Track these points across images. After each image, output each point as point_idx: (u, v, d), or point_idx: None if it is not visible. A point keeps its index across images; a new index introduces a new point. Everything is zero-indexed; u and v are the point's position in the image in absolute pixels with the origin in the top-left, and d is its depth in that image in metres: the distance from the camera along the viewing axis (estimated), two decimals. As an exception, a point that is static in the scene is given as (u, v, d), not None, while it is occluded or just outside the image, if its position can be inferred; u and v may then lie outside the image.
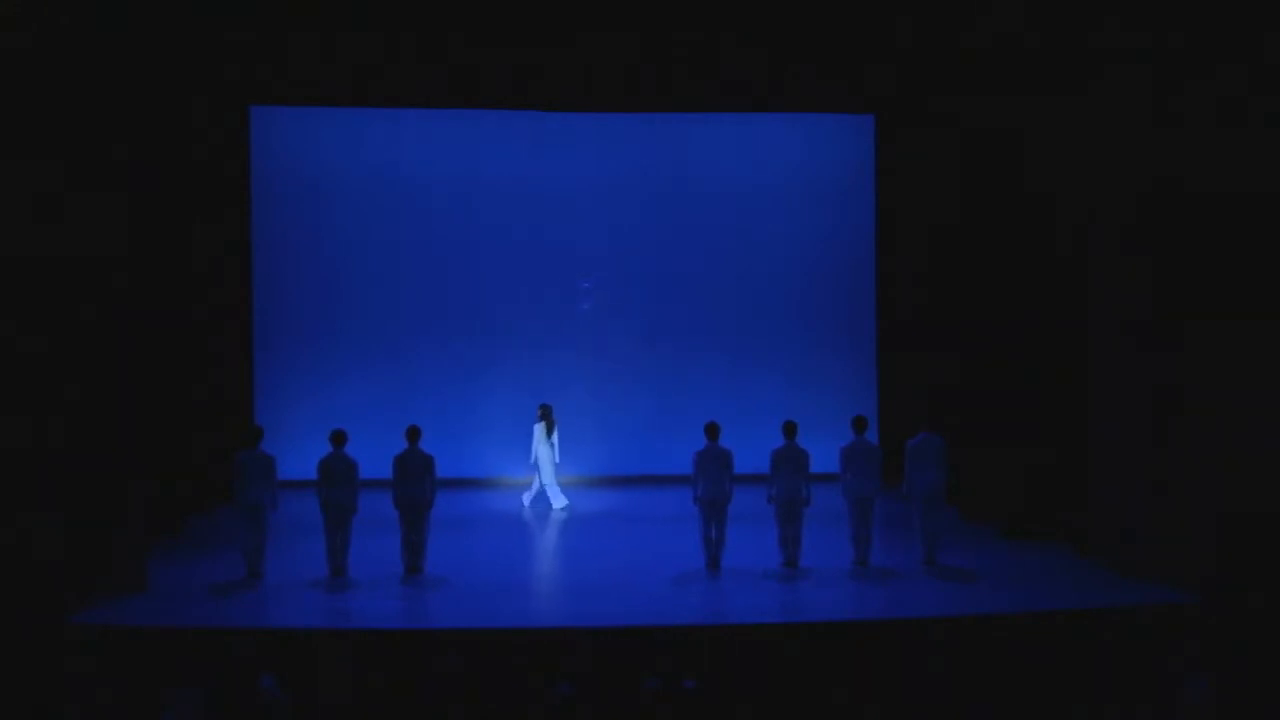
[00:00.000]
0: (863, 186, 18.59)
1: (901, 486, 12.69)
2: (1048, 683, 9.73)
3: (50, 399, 10.36)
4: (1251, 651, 9.90)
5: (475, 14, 16.33)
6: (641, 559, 12.81)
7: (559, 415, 16.85)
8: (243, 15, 15.66)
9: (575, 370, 18.23)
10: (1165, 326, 11.19)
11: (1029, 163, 13.60)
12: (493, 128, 18.16)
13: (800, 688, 9.69)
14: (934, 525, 12.39)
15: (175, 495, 14.25)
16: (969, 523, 14.51)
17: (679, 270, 18.42)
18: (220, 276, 16.42)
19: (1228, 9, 10.58)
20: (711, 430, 12.40)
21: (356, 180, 18.02)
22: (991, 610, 10.49)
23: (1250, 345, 10.49)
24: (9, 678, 9.60)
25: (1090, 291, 12.31)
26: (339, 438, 12.22)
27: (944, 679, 9.76)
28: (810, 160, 18.57)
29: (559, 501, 16.08)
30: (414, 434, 12.42)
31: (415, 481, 12.20)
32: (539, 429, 16.05)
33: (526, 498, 16.41)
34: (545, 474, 16.03)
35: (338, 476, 12.03)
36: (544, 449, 15.98)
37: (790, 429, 12.45)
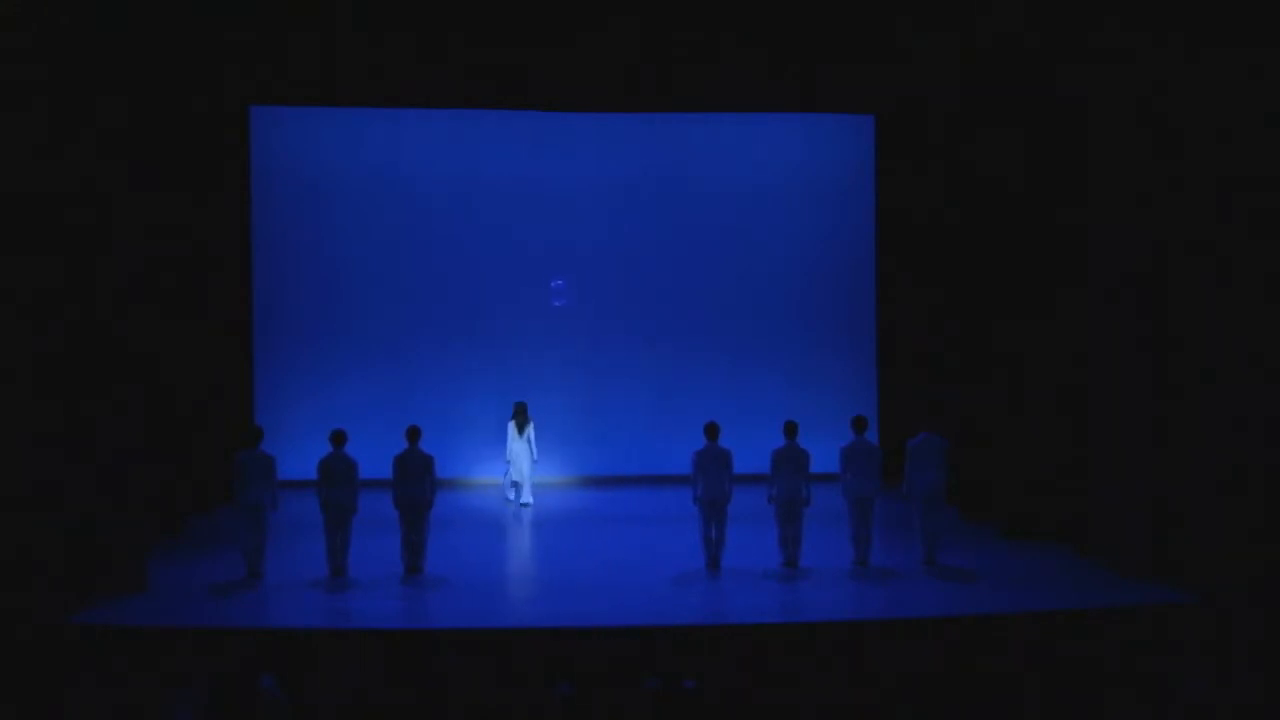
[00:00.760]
0: (863, 186, 18.59)
1: (901, 486, 12.69)
2: (1048, 683, 9.73)
3: (51, 399, 10.36)
4: (1251, 651, 9.90)
5: (475, 14, 16.31)
6: (642, 559, 12.81)
7: (560, 416, 16.95)
8: (243, 15, 15.64)
9: (575, 370, 18.23)
10: (1165, 326, 11.19)
11: (1029, 162, 13.59)
12: (493, 128, 18.16)
13: (800, 688, 9.69)
14: (934, 525, 12.39)
15: (175, 495, 14.24)
16: (969, 523, 14.52)
17: (679, 270, 18.42)
18: (220, 276, 16.40)
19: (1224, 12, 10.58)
20: (711, 430, 12.40)
21: (356, 180, 18.02)
22: (991, 610, 10.49)
23: (1251, 345, 10.48)
24: (9, 678, 9.60)
25: (1090, 291, 12.32)
26: (339, 438, 12.22)
27: (944, 679, 9.76)
28: (810, 160, 18.58)
29: (523, 498, 16.28)
30: (414, 434, 12.42)
31: (415, 481, 12.20)
32: (511, 426, 16.34)
33: (511, 493, 16.54)
34: (515, 469, 16.28)
35: (338, 476, 12.03)
36: (516, 446, 16.25)
37: (790, 429, 12.45)
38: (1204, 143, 10.78)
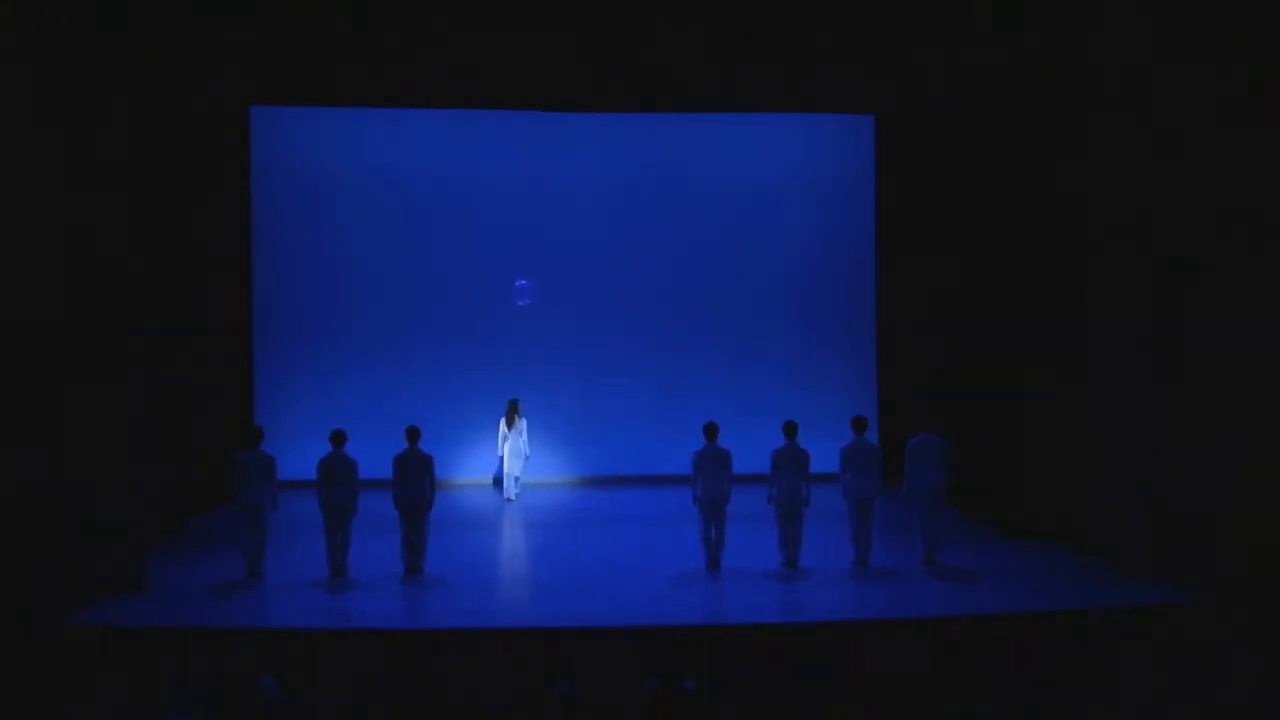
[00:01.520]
0: (863, 186, 18.59)
1: (901, 486, 12.68)
2: (1048, 683, 9.73)
3: (51, 399, 10.36)
4: (1251, 651, 9.90)
5: (475, 14, 16.32)
6: (642, 559, 12.81)
7: (560, 416, 17.04)
8: (243, 15, 15.65)
9: (575, 370, 18.24)
10: (1165, 327, 11.19)
11: (1029, 162, 13.59)
12: (493, 128, 18.16)
13: (800, 688, 9.68)
14: (934, 525, 12.39)
15: (175, 495, 14.24)
16: (969, 523, 14.52)
17: (679, 270, 18.42)
18: (220, 276, 16.40)
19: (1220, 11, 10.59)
20: (711, 430, 12.40)
21: (356, 180, 18.02)
22: (991, 610, 10.49)
23: (1251, 345, 10.48)
24: (9, 678, 9.60)
25: (1090, 291, 12.32)
26: (339, 438, 12.22)
27: (943, 679, 9.76)
28: (810, 160, 18.58)
29: (509, 492, 16.62)
30: (414, 434, 12.42)
31: (415, 481, 12.20)
32: (501, 423, 16.83)
33: (510, 491, 16.77)
34: (508, 464, 16.70)
35: (338, 476, 12.03)
36: (507, 442, 16.73)
37: (790, 429, 12.45)
38: (1203, 142, 10.78)
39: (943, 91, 15.95)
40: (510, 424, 16.82)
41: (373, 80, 17.04)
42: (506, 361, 18.18)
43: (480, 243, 18.22)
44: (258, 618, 10.64)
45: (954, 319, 15.50)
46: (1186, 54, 10.95)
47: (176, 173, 14.65)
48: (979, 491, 14.51)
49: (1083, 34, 12.34)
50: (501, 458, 16.91)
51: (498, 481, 17.02)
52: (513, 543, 14.26)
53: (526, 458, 16.98)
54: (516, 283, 17.00)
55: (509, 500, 16.65)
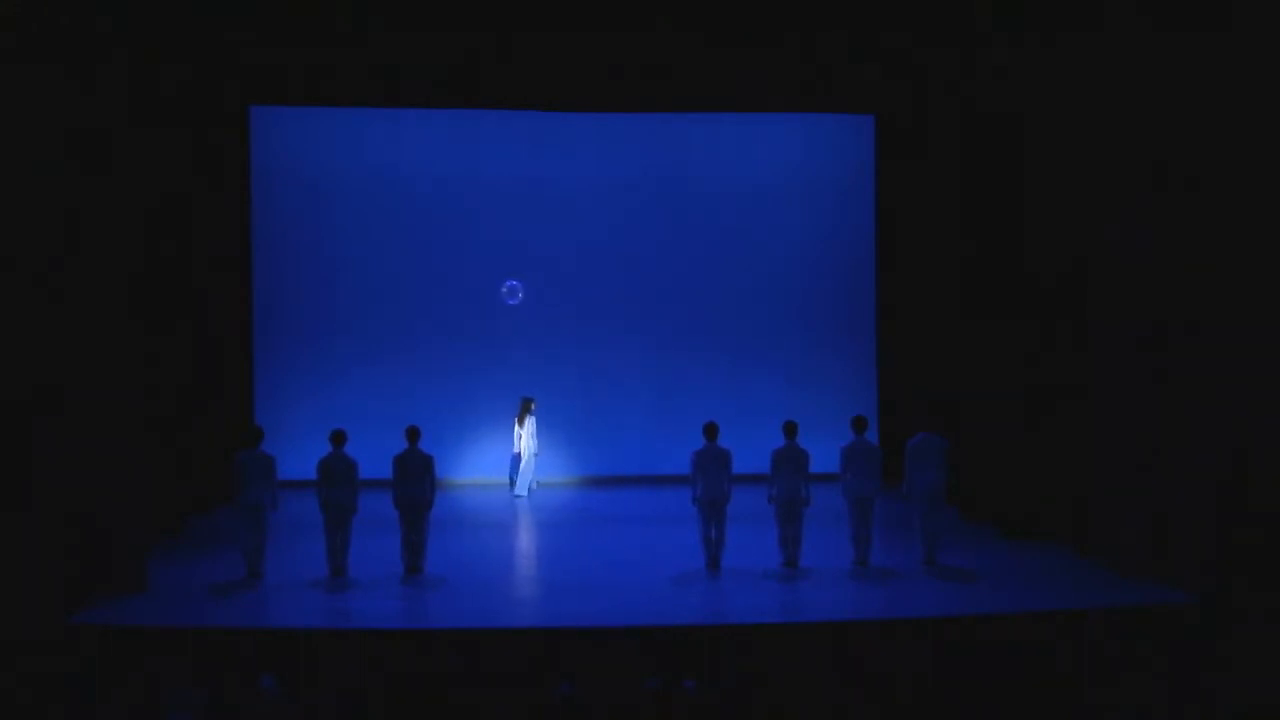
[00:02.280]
0: (863, 186, 18.60)
1: (901, 486, 12.68)
2: (1048, 683, 9.73)
3: (50, 398, 10.36)
4: (1251, 651, 9.90)
5: (475, 14, 16.32)
6: (642, 559, 12.81)
7: (560, 416, 17.10)
8: (243, 15, 15.65)
9: (575, 370, 18.24)
10: (1165, 326, 11.19)
11: (1029, 162, 13.59)
12: (493, 128, 18.16)
13: (800, 688, 9.68)
14: (934, 525, 12.39)
15: (175, 495, 14.24)
16: (969, 523, 14.52)
17: (679, 270, 18.43)
18: (220, 276, 16.41)
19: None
20: (710, 430, 12.40)
21: (356, 180, 18.03)
22: (991, 610, 10.48)
23: (1251, 345, 10.48)
24: (9, 678, 9.60)
25: (1090, 291, 12.32)
26: (339, 438, 12.21)
27: (944, 679, 9.76)
28: (810, 160, 18.59)
29: (518, 489, 16.90)
30: (414, 434, 12.41)
31: (415, 481, 12.19)
32: (515, 421, 17.12)
33: (519, 488, 16.97)
34: (524, 461, 16.98)
35: (338, 476, 12.03)
36: (521, 439, 17.02)
37: (790, 429, 12.45)
38: (1204, 142, 10.78)
39: (943, 91, 15.95)
40: (521, 422, 17.03)
41: (373, 80, 17.05)
42: (506, 361, 18.18)
43: (480, 243, 18.23)
44: (258, 618, 10.63)
45: (954, 319, 15.48)
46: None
47: (176, 173, 14.65)
48: (979, 492, 14.50)
49: (1082, 35, 12.35)
50: (517, 455, 17.10)
51: (513, 481, 17.18)
52: (513, 543, 14.26)
53: (534, 455, 17.14)
54: (506, 283, 17.02)
55: (516, 496, 16.85)
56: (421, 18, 16.37)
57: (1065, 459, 12.95)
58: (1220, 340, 10.65)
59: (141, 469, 11.57)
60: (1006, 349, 13.92)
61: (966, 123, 15.07)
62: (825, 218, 18.56)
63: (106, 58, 11.09)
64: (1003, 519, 13.88)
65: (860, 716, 9.51)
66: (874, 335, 18.62)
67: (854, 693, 9.61)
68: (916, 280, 17.28)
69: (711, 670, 9.62)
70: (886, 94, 17.76)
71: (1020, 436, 13.62)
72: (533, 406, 17.26)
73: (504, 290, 16.94)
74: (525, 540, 14.50)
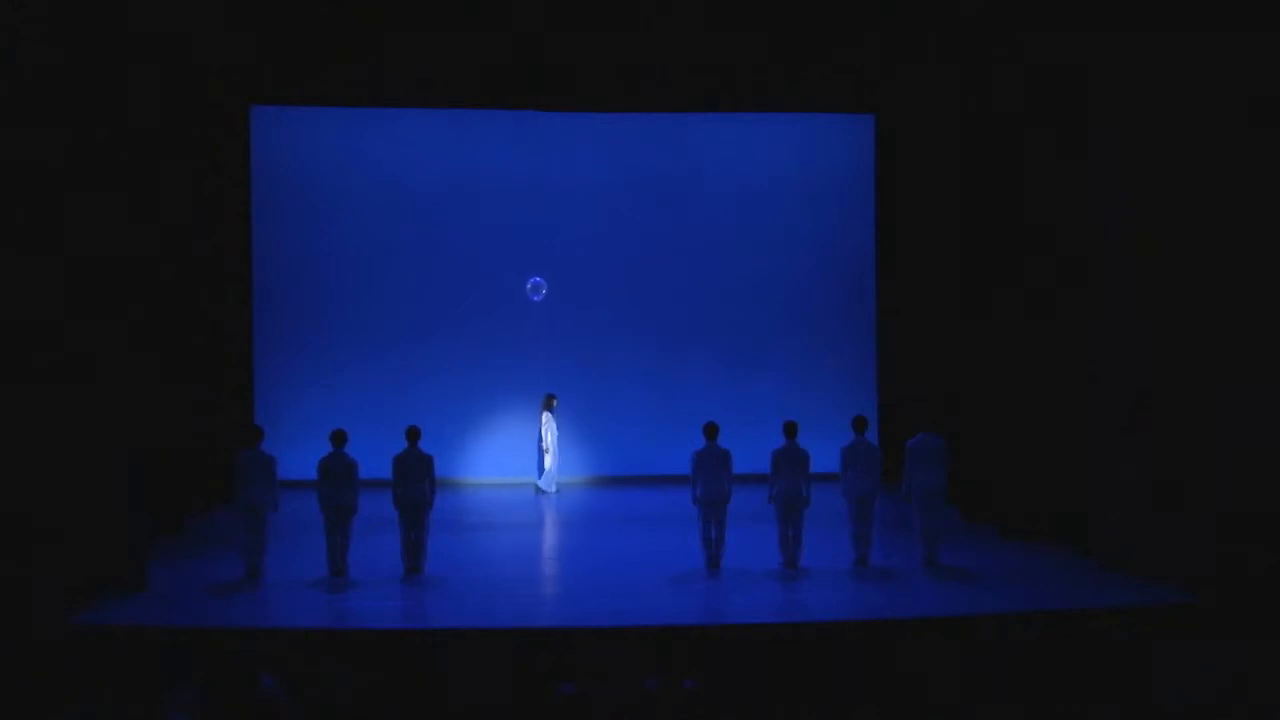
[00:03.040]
0: (863, 186, 18.60)
1: (901, 486, 12.68)
2: (1048, 683, 9.72)
3: (50, 398, 10.36)
4: (1251, 651, 9.90)
5: (475, 14, 16.33)
6: (641, 559, 12.81)
7: (560, 416, 17.19)
8: (243, 15, 15.66)
9: (575, 370, 18.25)
10: (1166, 324, 11.19)
11: (1029, 162, 13.59)
12: (493, 128, 18.17)
13: (800, 688, 9.68)
14: (934, 525, 12.38)
15: (175, 495, 14.24)
16: (969, 523, 14.52)
17: (679, 270, 18.44)
18: (220, 277, 16.41)
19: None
20: (710, 430, 12.40)
21: (356, 180, 18.04)
22: (991, 610, 10.48)
23: (1250, 344, 10.47)
24: (9, 678, 9.59)
25: (1091, 290, 12.32)
26: (339, 438, 12.21)
27: (944, 679, 9.76)
28: (810, 160, 18.60)
29: (545, 484, 17.32)
30: (414, 434, 12.41)
31: (415, 481, 12.19)
32: (539, 418, 17.53)
33: (550, 485, 17.32)
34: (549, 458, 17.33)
35: (338, 476, 12.02)
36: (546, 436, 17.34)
37: (790, 429, 12.44)
38: (1203, 139, 10.77)
39: (943, 90, 15.95)
40: (544, 418, 17.38)
41: (373, 80, 17.07)
42: (506, 361, 18.19)
43: (480, 242, 18.24)
44: (258, 618, 10.63)
45: (954, 319, 15.48)
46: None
47: (176, 173, 14.65)
48: (979, 491, 14.50)
49: (1080, 33, 12.35)
50: (543, 451, 17.45)
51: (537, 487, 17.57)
52: (513, 543, 14.25)
53: (544, 451, 17.39)
54: (531, 280, 17.07)
55: (543, 493, 17.25)
56: (421, 18, 16.39)
57: (1065, 459, 12.95)
58: (1220, 339, 10.64)
59: (141, 469, 11.56)
60: (1006, 349, 13.92)
61: (966, 122, 15.06)
62: (825, 218, 18.56)
63: (106, 59, 11.09)
64: (1003, 519, 13.88)
65: (860, 716, 9.51)
66: (874, 335, 18.63)
67: (854, 692, 9.60)
68: (916, 280, 17.27)
69: (711, 670, 9.61)
70: (886, 94, 17.77)
71: (1020, 436, 13.61)
72: (554, 403, 17.34)
73: (528, 287, 17.02)
74: (525, 540, 14.49)
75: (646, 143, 18.40)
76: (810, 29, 16.80)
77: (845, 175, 18.59)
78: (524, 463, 17.99)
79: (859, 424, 12.54)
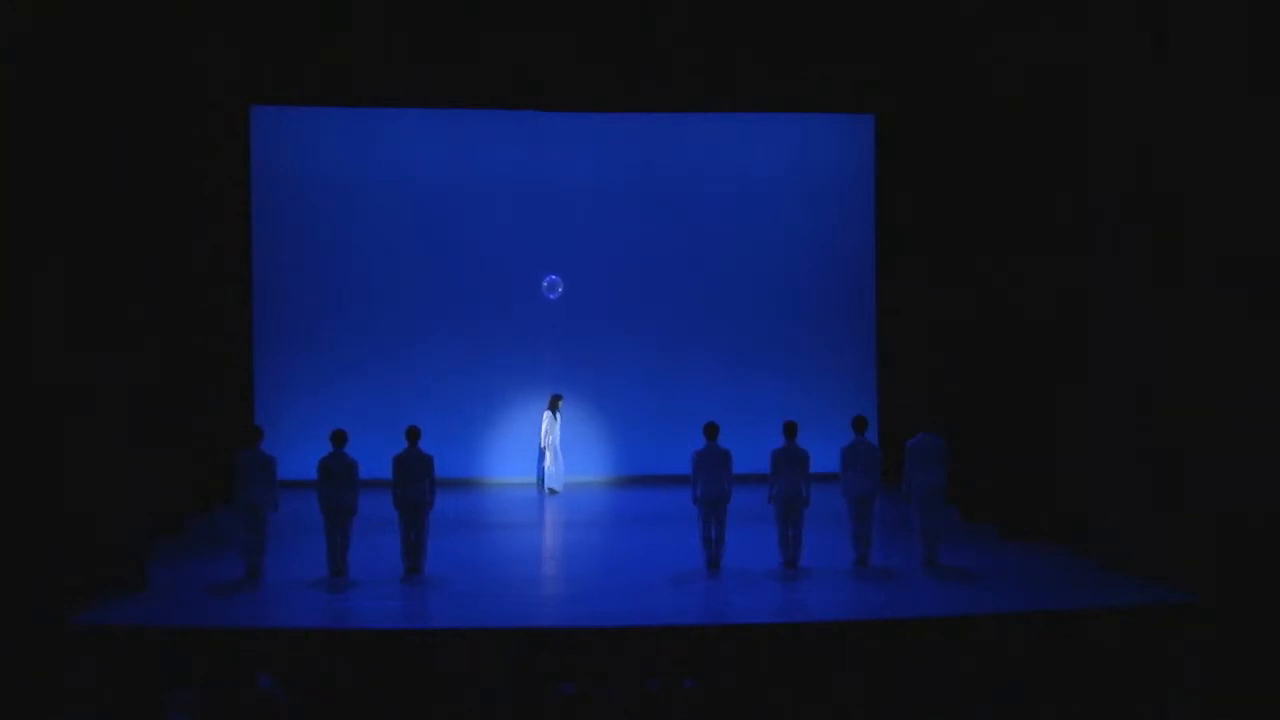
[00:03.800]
0: (863, 186, 18.60)
1: (901, 486, 12.67)
2: (1048, 683, 9.73)
3: (50, 398, 10.36)
4: (1252, 651, 9.90)
5: (475, 14, 16.34)
6: (641, 559, 12.81)
7: (560, 415, 17.24)
8: (243, 15, 15.65)
9: (575, 370, 18.25)
10: (1166, 325, 11.19)
11: (1029, 161, 13.59)
12: (493, 128, 18.16)
13: (800, 688, 9.68)
14: (934, 525, 12.38)
15: (175, 495, 14.24)
16: (969, 523, 14.51)
17: (679, 270, 18.44)
18: (220, 277, 16.41)
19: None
20: (711, 430, 12.39)
21: (356, 180, 18.03)
22: (991, 610, 10.48)
23: (1248, 344, 10.47)
24: (9, 678, 9.59)
25: (1091, 290, 12.32)
26: (339, 438, 12.21)
27: (944, 679, 9.76)
28: (810, 160, 18.59)
29: (552, 483, 17.31)
30: (414, 434, 12.41)
31: (415, 481, 12.18)
32: (542, 418, 17.48)
33: (557, 483, 17.29)
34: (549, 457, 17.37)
35: (338, 476, 12.02)
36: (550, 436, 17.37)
37: (790, 429, 12.44)
38: (1202, 134, 10.77)
39: (942, 90, 15.95)
40: (552, 418, 17.41)
41: (373, 80, 17.06)
42: (506, 361, 18.19)
43: (479, 243, 18.24)
44: (258, 618, 10.62)
45: (954, 318, 15.48)
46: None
47: (176, 172, 14.65)
48: (979, 491, 14.50)
49: (1078, 32, 12.36)
50: (543, 451, 17.45)
51: (542, 480, 17.56)
52: (513, 543, 14.25)
53: (543, 452, 17.41)
54: (547, 278, 17.13)
55: (550, 492, 17.23)
56: (421, 17, 16.39)
57: (1065, 459, 12.95)
58: (1221, 338, 10.64)
59: (141, 469, 11.56)
60: (1006, 348, 13.91)
61: (967, 121, 15.05)
62: (825, 218, 18.56)
63: (106, 58, 11.09)
64: (1003, 519, 13.87)
65: (860, 716, 9.51)
66: (874, 335, 18.62)
67: (854, 692, 9.61)
68: (916, 280, 17.26)
69: (711, 670, 9.61)
70: (886, 94, 17.77)
71: (1020, 437, 13.61)
72: (559, 404, 17.36)
73: (544, 285, 17.10)
74: (525, 541, 14.49)
75: (647, 143, 18.39)
76: (811, 29, 16.80)
77: (845, 175, 18.58)
78: (524, 463, 18.01)
79: (859, 424, 12.54)
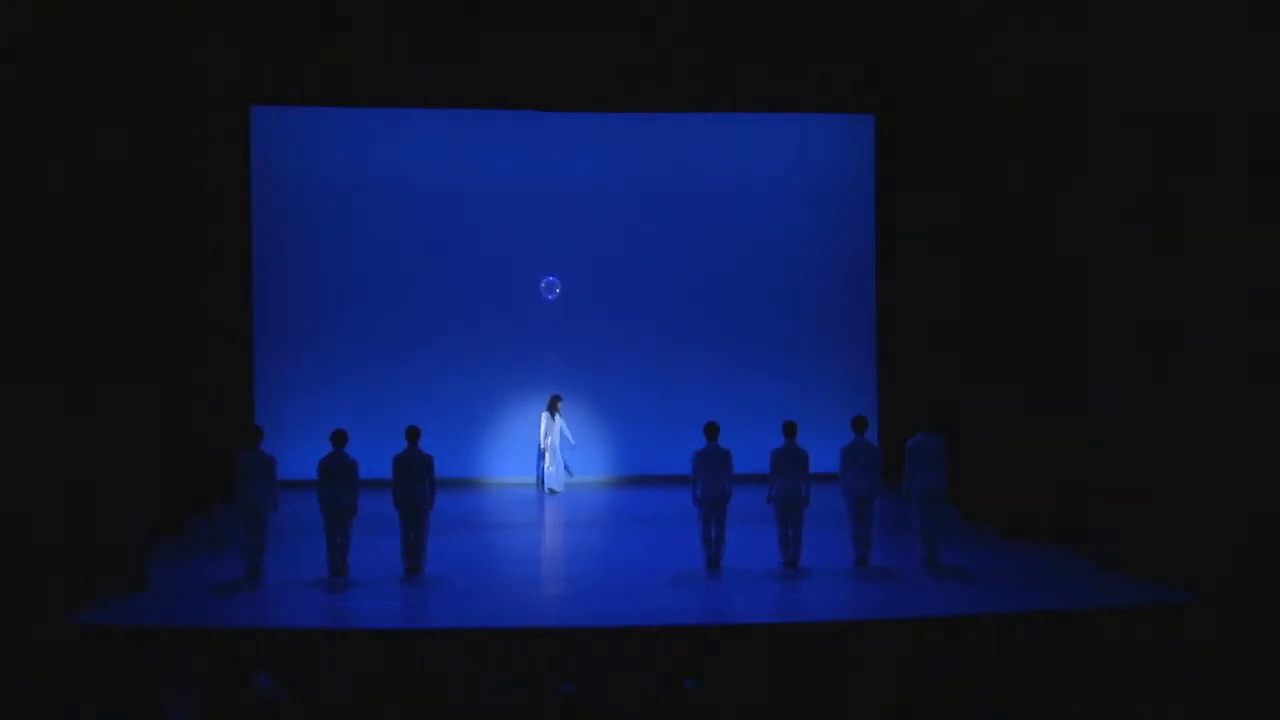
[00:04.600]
0: (863, 186, 18.60)
1: (901, 486, 12.67)
2: (1048, 683, 9.72)
3: (50, 399, 10.36)
4: (1251, 652, 9.90)
5: (475, 14, 16.34)
6: (641, 559, 12.81)
7: (562, 414, 17.28)
8: (243, 15, 15.65)
9: (575, 370, 18.25)
10: (1166, 324, 11.19)
11: (1030, 162, 13.59)
12: (493, 128, 18.17)
13: (800, 688, 9.68)
14: (934, 525, 12.38)
15: (175, 495, 14.24)
16: (969, 523, 14.51)
17: (679, 270, 18.44)
18: (220, 277, 16.41)
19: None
20: (711, 430, 12.39)
21: (356, 180, 18.03)
22: (991, 610, 10.48)
23: (1252, 343, 10.47)
24: (9, 678, 9.59)
25: (1091, 290, 12.32)
26: (339, 438, 12.21)
27: (944, 679, 9.76)
28: (810, 160, 18.59)
29: (553, 482, 17.29)
30: (414, 434, 12.41)
31: (415, 481, 12.18)
32: (540, 419, 17.46)
33: (557, 483, 17.29)
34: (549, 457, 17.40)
35: (338, 476, 12.02)
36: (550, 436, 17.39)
37: (790, 429, 12.44)
38: (1203, 132, 10.77)
39: (943, 90, 15.95)
40: (550, 419, 17.48)
41: (373, 80, 17.07)
42: (506, 361, 18.19)
43: (479, 243, 18.24)
44: (258, 618, 10.63)
45: (954, 318, 15.48)
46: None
47: (176, 173, 14.65)
48: (979, 491, 14.50)
49: (1078, 32, 12.36)
50: (542, 451, 17.49)
51: (541, 479, 17.63)
52: (513, 543, 14.25)
53: (542, 452, 17.43)
54: (544, 279, 17.14)
55: (551, 492, 17.24)
56: (421, 17, 16.39)
57: (1065, 459, 12.95)
58: (1221, 337, 10.64)
59: (142, 469, 11.56)
60: (1006, 349, 13.91)
61: (967, 121, 15.05)
62: (825, 218, 18.56)
63: (106, 58, 11.09)
64: (1003, 519, 13.87)
65: (860, 716, 9.51)
66: (874, 335, 18.62)
67: (854, 692, 9.60)
68: (916, 280, 17.27)
69: (711, 670, 9.61)
70: (887, 94, 17.78)
71: (1020, 437, 13.60)
72: (558, 405, 17.36)
73: (542, 286, 17.12)
74: (525, 541, 14.49)
75: (647, 143, 18.38)
76: (811, 29, 16.80)
77: (845, 175, 18.58)
78: (524, 463, 18.02)
79: (859, 424, 12.53)
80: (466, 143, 18.21)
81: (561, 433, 17.45)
